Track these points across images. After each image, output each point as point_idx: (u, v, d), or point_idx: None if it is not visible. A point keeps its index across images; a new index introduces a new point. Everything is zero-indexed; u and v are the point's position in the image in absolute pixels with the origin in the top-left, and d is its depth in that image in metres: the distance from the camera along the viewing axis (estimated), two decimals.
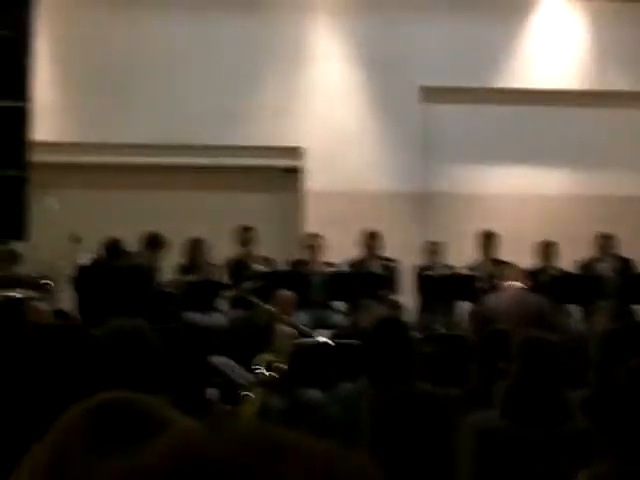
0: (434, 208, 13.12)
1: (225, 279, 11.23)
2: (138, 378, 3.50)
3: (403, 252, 11.69)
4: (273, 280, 10.67)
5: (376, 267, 11.45)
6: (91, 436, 1.09)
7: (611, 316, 9.66)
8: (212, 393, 8.79)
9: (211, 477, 0.91)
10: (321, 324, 10.47)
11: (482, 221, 12.33)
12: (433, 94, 13.19)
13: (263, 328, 9.32)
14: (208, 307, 10.77)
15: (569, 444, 4.13)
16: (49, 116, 12.03)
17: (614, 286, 10.85)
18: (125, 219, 12.00)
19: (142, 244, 11.15)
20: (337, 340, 9.04)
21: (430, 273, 11.34)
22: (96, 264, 10.71)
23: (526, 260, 11.07)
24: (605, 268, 11.57)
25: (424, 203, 13.15)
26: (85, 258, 10.70)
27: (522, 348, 4.37)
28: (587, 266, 11.70)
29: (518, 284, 9.08)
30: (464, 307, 11.26)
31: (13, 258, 10.28)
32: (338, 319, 10.87)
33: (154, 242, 11.11)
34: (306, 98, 13.12)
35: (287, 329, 9.41)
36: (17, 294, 9.57)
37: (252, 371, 8.70)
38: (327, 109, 13.08)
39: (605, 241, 11.83)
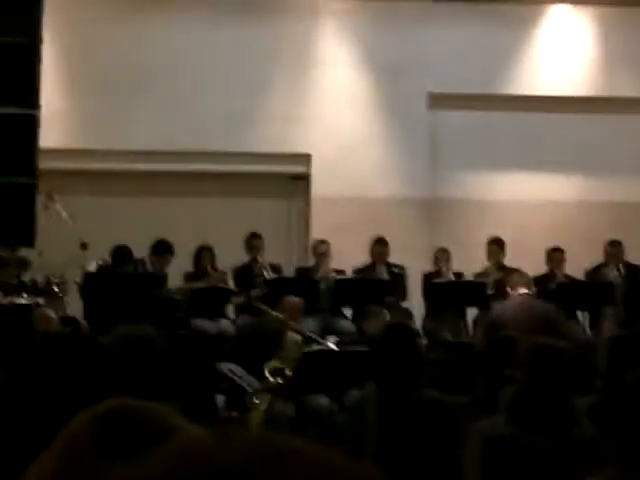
0: (442, 214, 13.11)
1: (232, 286, 11.24)
2: (146, 385, 3.51)
3: (410, 258, 11.69)
4: (280, 286, 10.67)
5: (383, 273, 11.45)
6: (98, 443, 1.10)
7: (618, 323, 9.65)
8: (220, 400, 8.80)
9: None
10: (328, 330, 10.47)
11: (490, 228, 12.32)
12: (441, 101, 13.19)
13: (270, 335, 9.32)
14: (216, 314, 10.78)
15: (576, 451, 4.13)
16: (56, 123, 12.04)
17: (622, 293, 10.84)
18: (133, 226, 12.01)
19: (150, 251, 11.16)
20: (344, 347, 9.04)
21: (438, 280, 11.34)
22: (104, 271, 10.72)
23: (535, 267, 11.05)
24: (613, 275, 11.56)
25: (432, 209, 13.14)
26: (92, 265, 10.72)
27: (529, 355, 4.37)
28: (595, 273, 11.68)
29: (525, 291, 9.07)
30: (472, 314, 11.27)
31: (22, 265, 10.30)
32: (345, 325, 10.87)
33: (162, 249, 11.12)
34: (314, 104, 13.13)
35: (294, 336, 9.41)
36: (25, 300, 9.60)
37: (260, 378, 8.70)
38: (335, 116, 13.08)
39: (613, 248, 11.81)
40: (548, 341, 4.60)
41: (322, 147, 13.02)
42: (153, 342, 3.83)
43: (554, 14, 13.48)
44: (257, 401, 8.51)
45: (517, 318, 8.04)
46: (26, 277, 10.23)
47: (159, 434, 1.08)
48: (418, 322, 11.15)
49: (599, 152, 13.23)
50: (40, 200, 10.28)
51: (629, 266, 11.73)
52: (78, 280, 10.57)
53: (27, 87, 9.79)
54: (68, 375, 2.35)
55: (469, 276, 11.58)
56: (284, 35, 13.00)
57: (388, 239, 11.68)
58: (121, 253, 10.87)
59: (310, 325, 10.28)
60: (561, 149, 13.26)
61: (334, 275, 11.27)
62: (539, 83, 13.43)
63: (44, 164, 10.29)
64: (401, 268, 11.56)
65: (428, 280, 11.42)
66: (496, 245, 11.82)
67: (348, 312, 11.14)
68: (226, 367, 8.84)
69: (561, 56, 13.45)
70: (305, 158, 13.12)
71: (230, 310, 11.22)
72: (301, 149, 13.07)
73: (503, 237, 11.86)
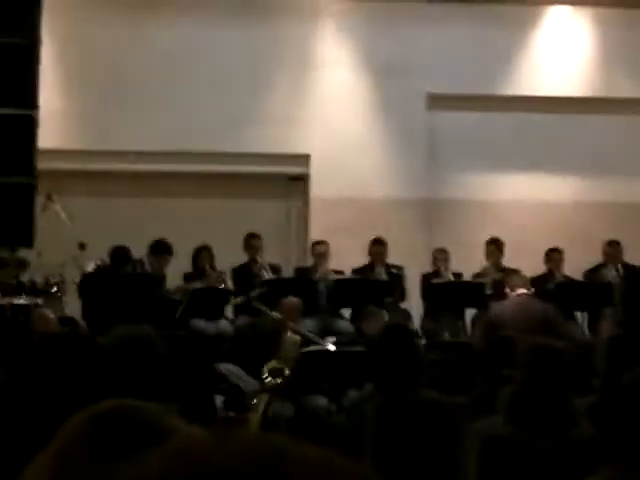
0: (440, 215, 13.12)
1: (231, 286, 11.24)
2: (145, 385, 3.50)
3: (409, 259, 11.70)
4: (279, 287, 10.67)
5: (382, 274, 11.45)
6: (95, 443, 1.10)
7: (617, 323, 9.65)
8: (218, 400, 8.80)
9: None
10: (327, 331, 10.47)
11: (488, 228, 12.32)
12: (440, 101, 13.19)
13: (269, 335, 9.33)
14: (214, 314, 10.78)
15: (575, 451, 4.13)
16: (55, 123, 12.04)
17: (620, 293, 10.84)
18: (131, 226, 12.01)
19: (148, 251, 11.16)
20: (343, 347, 9.04)
21: (436, 280, 11.34)
22: (102, 271, 10.72)
23: (533, 267, 11.06)
24: (611, 275, 11.56)
25: (430, 210, 13.14)
26: (91, 265, 10.71)
27: (528, 355, 4.37)
28: (593, 273, 11.69)
29: (524, 291, 9.08)
30: (470, 314, 11.27)
31: (20, 265, 10.29)
32: (344, 326, 10.88)
33: (160, 249, 11.12)
34: (313, 105, 13.13)
35: (293, 336, 9.41)
36: (24, 301, 9.60)
37: (258, 378, 8.70)
38: (334, 117, 13.08)
39: (611, 248, 11.81)
40: (547, 341, 4.61)
41: (321, 148, 13.01)
42: (152, 342, 3.83)
43: (553, 14, 13.49)
44: (255, 401, 8.51)
45: (516, 318, 8.04)
46: (25, 277, 10.23)
47: (157, 434, 1.08)
48: (417, 322, 11.16)
49: (598, 153, 13.23)
50: (39, 201, 10.28)
51: (627, 266, 11.74)
52: (77, 280, 10.57)
53: (25, 88, 9.79)
54: (66, 375, 2.35)
55: (468, 277, 11.58)
56: (284, 37, 13.00)
57: (387, 240, 11.69)
58: (120, 253, 10.87)
59: (309, 325, 10.29)
60: (560, 150, 13.27)
61: (333, 276, 11.27)
62: (538, 84, 13.43)
63: (43, 165, 10.29)
64: (400, 269, 11.57)
65: (427, 281, 11.42)
66: (495, 246, 11.83)
67: (347, 312, 11.14)
68: (225, 367, 8.85)
69: (560, 57, 13.46)
70: (304, 159, 13.12)
71: (229, 310, 11.22)
72: (300, 150, 13.07)
73: (502, 237, 11.87)
